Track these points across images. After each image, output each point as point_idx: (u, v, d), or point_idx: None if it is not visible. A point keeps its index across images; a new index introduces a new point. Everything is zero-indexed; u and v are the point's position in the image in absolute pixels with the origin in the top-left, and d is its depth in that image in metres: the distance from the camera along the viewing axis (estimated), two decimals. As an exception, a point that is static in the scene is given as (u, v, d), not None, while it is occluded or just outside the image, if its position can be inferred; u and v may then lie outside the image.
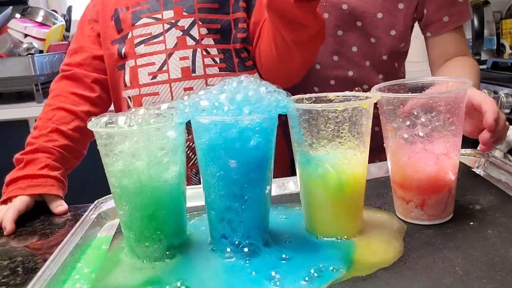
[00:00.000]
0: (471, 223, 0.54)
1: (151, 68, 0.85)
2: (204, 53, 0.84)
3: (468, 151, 0.75)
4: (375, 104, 0.53)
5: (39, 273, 0.49)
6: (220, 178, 0.50)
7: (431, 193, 0.54)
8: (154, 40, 0.85)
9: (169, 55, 0.84)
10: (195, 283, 0.47)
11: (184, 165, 0.53)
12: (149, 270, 0.50)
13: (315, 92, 0.84)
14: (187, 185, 0.57)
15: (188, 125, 0.52)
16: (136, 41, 0.86)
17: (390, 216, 0.58)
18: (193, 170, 0.92)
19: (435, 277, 0.44)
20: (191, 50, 0.84)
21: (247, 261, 0.50)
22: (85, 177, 1.78)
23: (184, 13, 0.84)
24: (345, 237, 0.53)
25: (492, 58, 1.87)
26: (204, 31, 0.84)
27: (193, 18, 0.84)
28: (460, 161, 0.56)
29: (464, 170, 0.68)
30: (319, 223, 0.54)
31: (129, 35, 0.87)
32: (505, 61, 1.79)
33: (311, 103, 0.55)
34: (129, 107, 0.88)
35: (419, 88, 0.58)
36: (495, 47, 2.14)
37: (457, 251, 0.48)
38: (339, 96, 0.56)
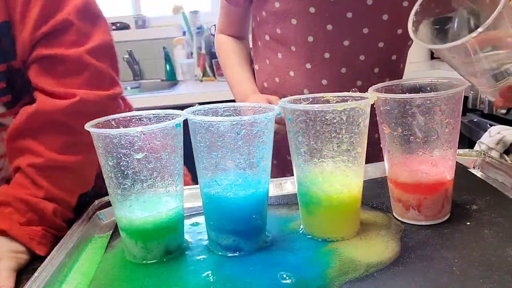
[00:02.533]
0: (468, 223, 0.54)
1: None
2: None
3: (465, 151, 0.75)
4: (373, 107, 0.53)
5: (36, 273, 0.49)
6: (216, 179, 0.50)
7: (428, 194, 0.54)
8: None
9: None
10: (192, 283, 0.47)
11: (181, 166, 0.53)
12: (146, 271, 0.50)
13: (325, 84, 0.84)
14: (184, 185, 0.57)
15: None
16: None
17: (387, 217, 0.58)
18: None
19: (432, 277, 0.44)
20: None
21: (243, 263, 0.50)
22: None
23: None
24: (342, 237, 0.53)
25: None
26: None
27: None
28: (456, 162, 0.56)
29: (461, 171, 0.68)
30: (316, 224, 0.54)
31: None
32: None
33: (308, 103, 0.55)
34: None
35: (417, 89, 0.58)
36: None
37: (454, 251, 0.48)
38: (335, 96, 0.56)
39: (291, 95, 0.57)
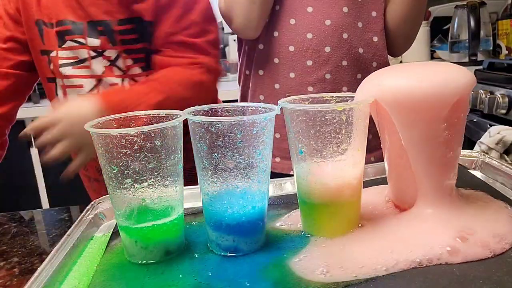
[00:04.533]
0: (468, 224, 0.54)
1: (80, 90, 0.87)
2: (132, 81, 0.87)
3: (465, 152, 0.75)
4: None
5: (36, 274, 0.49)
6: (215, 179, 0.50)
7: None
8: (81, 64, 0.86)
9: (98, 80, 0.86)
10: (192, 283, 0.47)
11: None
12: (146, 271, 0.50)
13: (328, 78, 0.87)
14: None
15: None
16: (61, 62, 0.87)
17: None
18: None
19: (432, 277, 0.44)
20: (120, 79, 0.87)
21: (243, 263, 0.50)
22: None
23: (109, 44, 0.86)
24: (343, 238, 0.53)
25: (489, 59, 1.88)
26: (129, 62, 0.86)
27: (117, 51, 0.86)
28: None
29: (461, 171, 0.68)
30: (316, 223, 0.54)
31: (54, 53, 0.88)
32: (501, 61, 1.80)
33: (307, 103, 0.55)
34: None
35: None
36: (491, 48, 2.15)
37: (454, 251, 0.48)
38: (334, 96, 0.56)
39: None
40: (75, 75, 0.87)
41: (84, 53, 0.86)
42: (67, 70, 0.87)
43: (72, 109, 0.77)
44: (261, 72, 0.94)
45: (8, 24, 0.89)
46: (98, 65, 0.86)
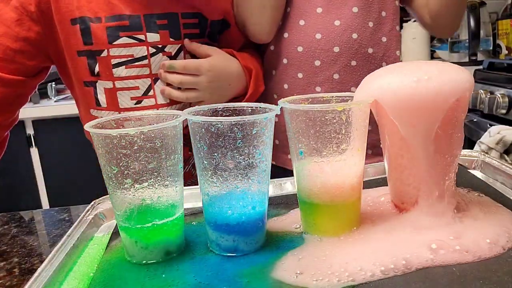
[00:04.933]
0: (468, 224, 0.54)
1: (134, 92, 0.80)
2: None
3: (465, 151, 0.75)
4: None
5: (36, 274, 0.49)
6: (215, 179, 0.50)
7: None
8: (137, 63, 0.79)
9: (155, 80, 0.81)
10: (192, 283, 0.47)
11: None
12: (146, 271, 0.50)
13: (336, 78, 0.88)
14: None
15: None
16: (114, 61, 0.78)
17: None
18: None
19: (432, 277, 0.44)
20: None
21: (243, 263, 0.50)
22: (82, 177, 1.78)
23: (171, 39, 0.81)
24: (343, 238, 0.53)
25: (488, 59, 1.88)
26: (188, 57, 0.83)
27: (180, 45, 0.82)
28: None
29: (461, 171, 0.68)
30: (316, 223, 0.54)
31: (104, 53, 0.78)
32: (501, 61, 1.80)
33: (307, 103, 0.55)
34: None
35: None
36: (491, 48, 2.15)
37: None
38: (334, 96, 0.56)
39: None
40: (131, 76, 0.79)
41: (142, 51, 0.79)
42: (120, 71, 0.79)
43: (220, 64, 0.81)
44: (273, 72, 0.95)
45: (24, 22, 0.77)
46: (157, 63, 0.81)
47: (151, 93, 0.81)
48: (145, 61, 0.79)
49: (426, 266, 0.46)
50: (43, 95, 2.19)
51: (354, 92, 0.55)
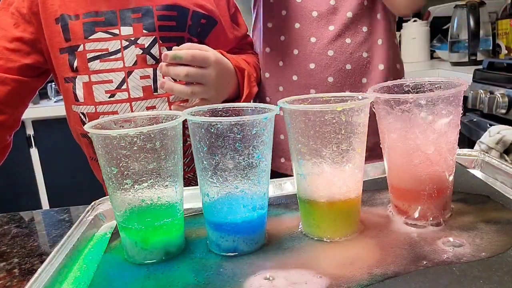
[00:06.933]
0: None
1: (108, 86, 0.81)
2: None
3: (465, 151, 0.75)
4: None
5: (36, 274, 0.49)
6: (215, 179, 0.50)
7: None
8: (111, 57, 0.80)
9: (128, 73, 0.81)
10: (192, 283, 0.47)
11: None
12: (146, 271, 0.50)
13: (331, 81, 0.88)
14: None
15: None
16: (90, 55, 0.80)
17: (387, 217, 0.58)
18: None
19: (432, 277, 0.44)
20: (152, 69, 0.81)
21: (243, 263, 0.50)
22: (82, 178, 1.78)
23: (144, 31, 0.81)
24: (342, 237, 0.53)
25: (488, 59, 1.88)
26: (164, 50, 0.81)
27: (153, 37, 0.81)
28: (456, 162, 0.56)
29: (461, 170, 0.68)
30: (316, 224, 0.54)
31: (80, 48, 0.81)
32: (501, 61, 1.80)
33: (307, 104, 0.55)
34: (83, 122, 0.84)
35: (416, 89, 0.58)
36: (491, 48, 2.14)
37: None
38: (333, 97, 0.56)
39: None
40: (105, 70, 0.80)
41: (116, 45, 0.80)
42: (96, 65, 0.80)
43: (222, 58, 0.79)
44: (267, 75, 0.96)
45: (19, 24, 0.83)
46: (130, 56, 0.80)
47: (124, 86, 0.81)
48: (119, 55, 0.80)
49: (426, 266, 0.46)
50: (43, 95, 2.19)
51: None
